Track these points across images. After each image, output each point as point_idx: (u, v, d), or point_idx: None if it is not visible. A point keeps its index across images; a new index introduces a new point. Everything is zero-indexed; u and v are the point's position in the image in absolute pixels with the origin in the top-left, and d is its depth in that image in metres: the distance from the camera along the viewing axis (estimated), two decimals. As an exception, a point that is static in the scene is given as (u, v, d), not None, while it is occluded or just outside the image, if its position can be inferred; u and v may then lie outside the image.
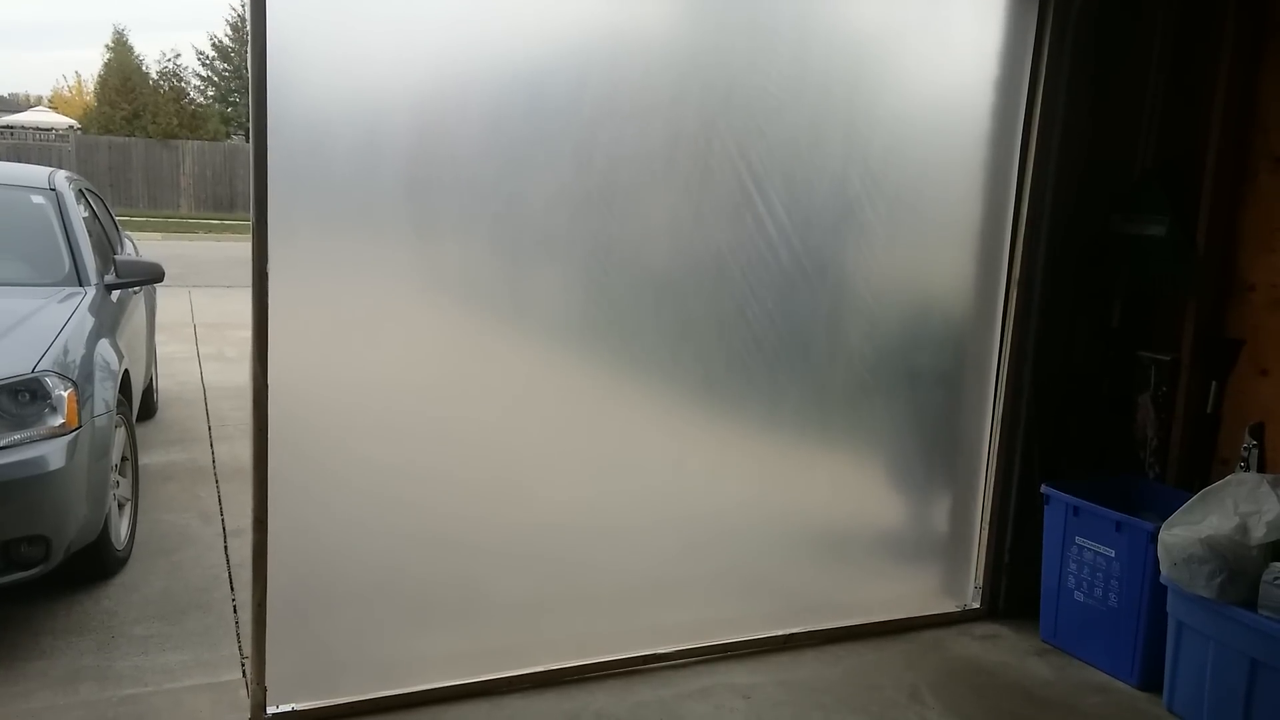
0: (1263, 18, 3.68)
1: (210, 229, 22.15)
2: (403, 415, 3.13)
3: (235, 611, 3.80)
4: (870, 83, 3.61)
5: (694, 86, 3.34)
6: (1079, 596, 3.77)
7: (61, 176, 5.32)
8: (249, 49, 2.75)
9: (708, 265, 3.47)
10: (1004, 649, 3.86)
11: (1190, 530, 3.20)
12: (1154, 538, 3.37)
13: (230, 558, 4.30)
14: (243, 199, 25.54)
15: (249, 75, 2.75)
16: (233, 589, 4.00)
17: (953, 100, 3.77)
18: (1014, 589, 4.09)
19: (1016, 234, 3.90)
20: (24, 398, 3.47)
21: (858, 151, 3.61)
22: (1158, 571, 3.35)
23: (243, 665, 3.38)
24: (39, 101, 38.49)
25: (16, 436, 3.38)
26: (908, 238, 3.77)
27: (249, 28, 2.75)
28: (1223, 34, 3.74)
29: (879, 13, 3.59)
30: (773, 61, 3.43)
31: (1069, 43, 3.79)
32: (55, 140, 26.61)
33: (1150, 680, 3.54)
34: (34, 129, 28.65)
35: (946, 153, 3.78)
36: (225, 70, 33.70)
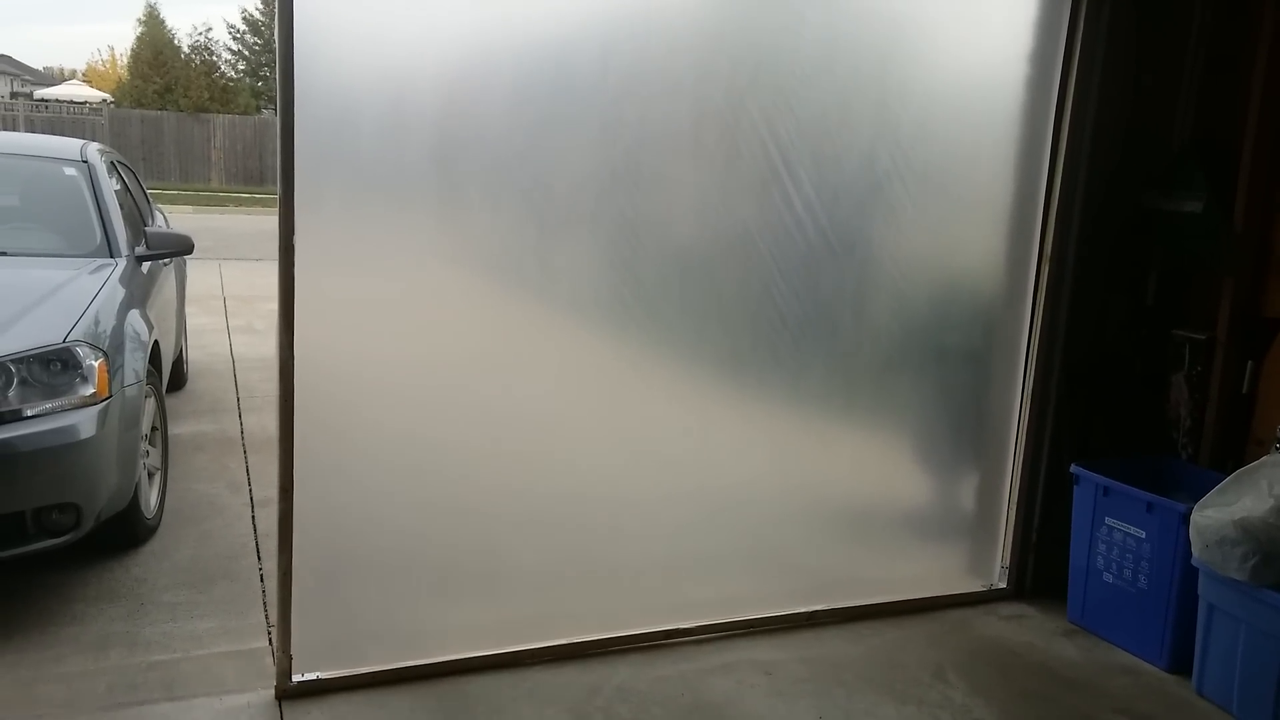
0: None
1: (240, 202, 22.30)
2: (428, 388, 3.14)
3: (262, 580, 3.85)
4: (901, 56, 3.54)
5: (722, 62, 3.29)
6: (1108, 578, 3.73)
7: (94, 149, 5.37)
8: (276, 22, 2.74)
9: (735, 242, 3.44)
10: (1030, 629, 3.83)
11: (1223, 512, 3.14)
12: (1186, 519, 3.33)
13: (257, 527, 4.35)
14: (272, 172, 25.44)
15: (276, 49, 2.74)
16: (259, 558, 4.05)
17: (985, 73, 3.69)
18: (1041, 569, 4.05)
19: (1049, 209, 3.83)
20: (55, 367, 3.51)
21: (887, 126, 3.55)
22: (1189, 553, 3.30)
23: (269, 633, 3.42)
24: (73, 75, 38.89)
25: (48, 405, 3.43)
26: (937, 213, 3.71)
27: (277, 1, 2.74)
28: (1264, 7, 3.63)
29: (911, -17, 3.52)
30: (802, 36, 3.37)
31: (1105, 14, 3.69)
32: (88, 113, 26.87)
33: (1179, 663, 3.50)
34: (68, 102, 28.96)
35: (978, 127, 3.71)
36: (256, 44, 33.84)
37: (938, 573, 4.02)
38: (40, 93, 31.31)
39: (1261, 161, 3.70)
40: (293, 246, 2.81)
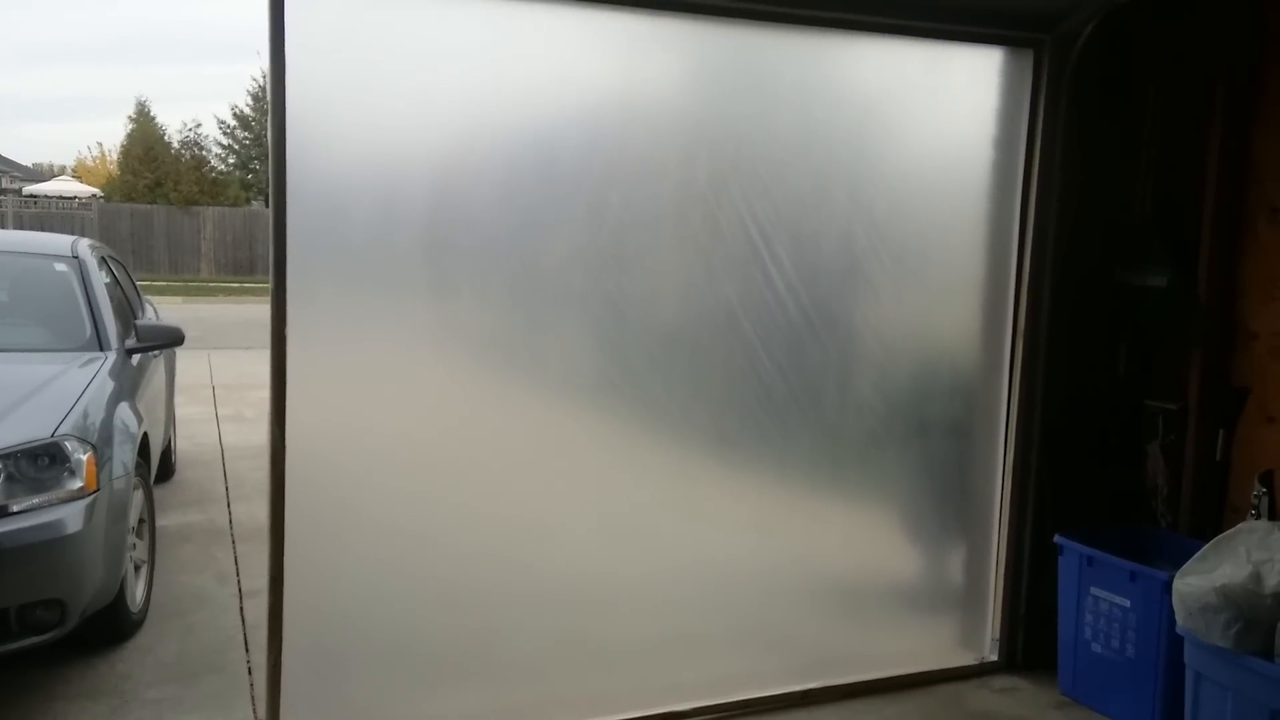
0: (1254, 76, 3.73)
1: (230, 292, 22.46)
2: (418, 476, 3.17)
3: (249, 673, 3.80)
4: (873, 141, 3.69)
5: (702, 148, 3.43)
6: (1096, 648, 3.73)
7: (85, 245, 5.45)
8: (269, 119, 2.85)
9: (719, 321, 3.52)
10: (1023, 702, 3.81)
11: (1204, 579, 3.17)
12: (1168, 587, 3.35)
13: (245, 619, 4.31)
14: (261, 262, 25.88)
15: (269, 144, 2.85)
16: (247, 650, 4.00)
17: (953, 157, 3.83)
18: (1031, 640, 4.05)
19: (1020, 285, 3.94)
20: (44, 462, 3.52)
21: (863, 207, 3.67)
22: (1174, 621, 3.31)
23: (257, 727, 3.38)
24: (62, 171, 39.34)
25: (35, 500, 3.43)
26: (914, 290, 3.81)
27: (269, 98, 2.85)
28: (1214, 91, 3.80)
29: (878, 75, 3.67)
30: (777, 123, 3.51)
31: (1062, 103, 3.85)
32: (78, 208, 27.17)
33: (1172, 733, 3.49)
34: (57, 197, 29.25)
35: (949, 207, 3.83)
36: (246, 139, 34.34)
37: (930, 647, 4.01)
38: (29, 188, 31.64)
39: (1221, 236, 3.82)
40: (285, 337, 2.87)
